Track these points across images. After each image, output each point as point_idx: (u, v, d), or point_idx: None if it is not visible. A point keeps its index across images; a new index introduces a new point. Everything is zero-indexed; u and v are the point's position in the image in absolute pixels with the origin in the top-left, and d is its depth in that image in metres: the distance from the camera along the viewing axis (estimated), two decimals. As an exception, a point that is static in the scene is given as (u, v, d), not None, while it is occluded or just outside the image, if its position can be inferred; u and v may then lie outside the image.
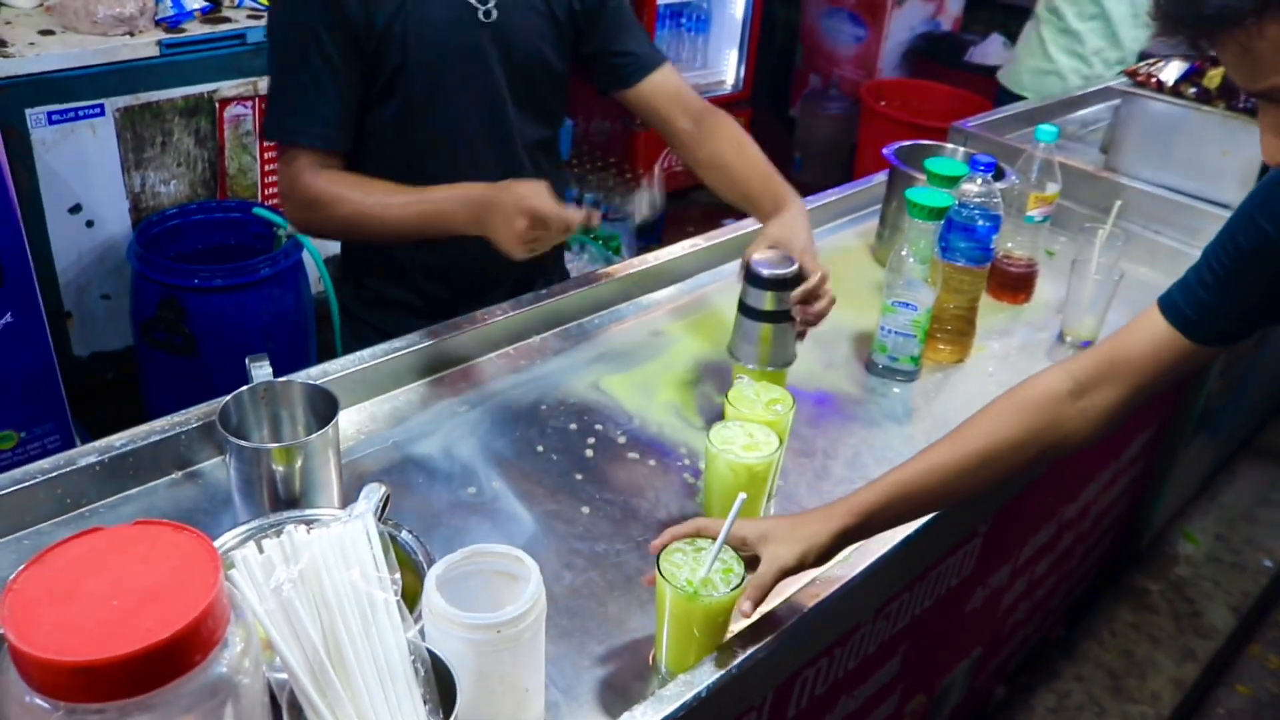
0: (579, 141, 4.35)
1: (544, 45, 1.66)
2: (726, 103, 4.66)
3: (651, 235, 4.02)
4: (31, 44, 2.60)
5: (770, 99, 5.27)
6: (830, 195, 2.16)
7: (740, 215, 1.78)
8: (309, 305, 2.88)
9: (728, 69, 4.74)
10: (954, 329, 1.74)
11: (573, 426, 1.49)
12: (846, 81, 5.00)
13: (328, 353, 2.97)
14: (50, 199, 2.70)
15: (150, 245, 2.72)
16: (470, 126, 1.62)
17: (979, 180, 1.69)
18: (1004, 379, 1.74)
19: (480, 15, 1.58)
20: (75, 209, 2.75)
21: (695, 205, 4.75)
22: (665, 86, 1.73)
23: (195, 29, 2.81)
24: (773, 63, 5.34)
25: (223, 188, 2.96)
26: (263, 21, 2.88)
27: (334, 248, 3.21)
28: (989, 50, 5.37)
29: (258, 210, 2.82)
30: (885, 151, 1.99)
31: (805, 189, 4.39)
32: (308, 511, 1.12)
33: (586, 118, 4.43)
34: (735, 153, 1.70)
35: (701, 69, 4.71)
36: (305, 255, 2.82)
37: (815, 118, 5.10)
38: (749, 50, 4.69)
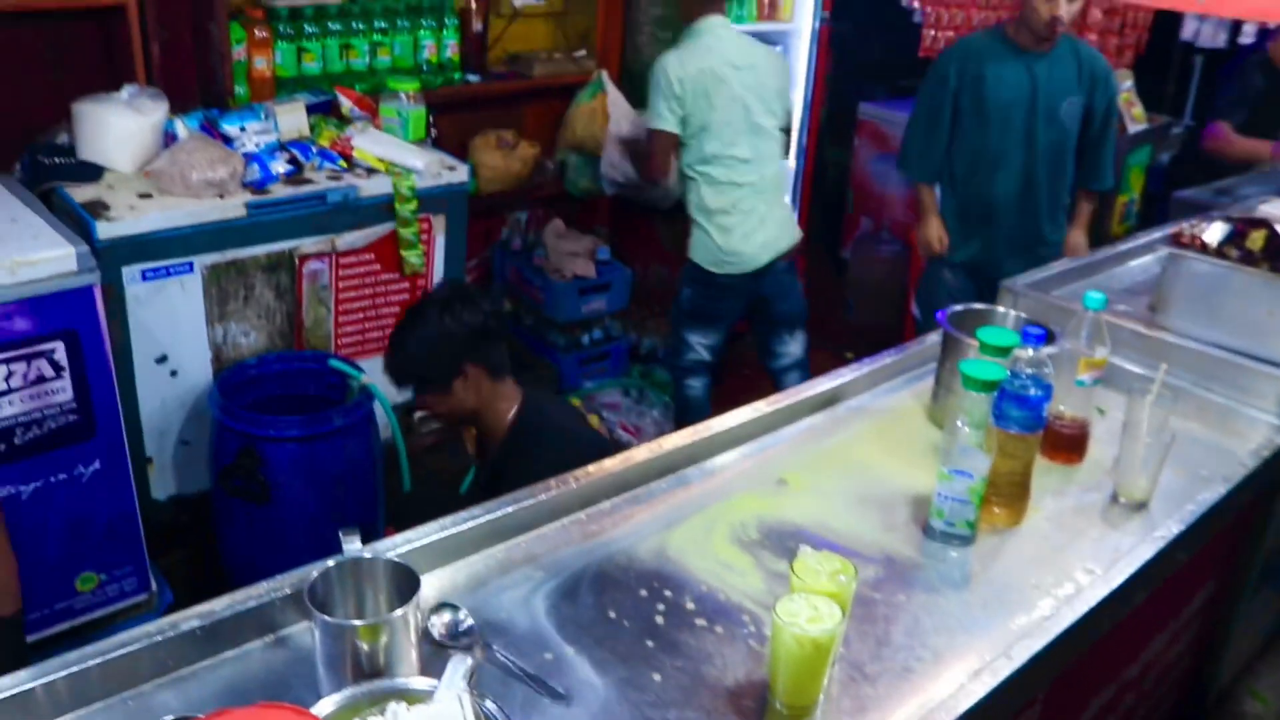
0: (637, 288, 4.48)
1: None
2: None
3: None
4: (131, 207, 2.78)
5: (822, 242, 5.40)
6: (886, 357, 2.24)
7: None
8: (378, 452, 2.98)
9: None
10: (1009, 493, 1.79)
11: (643, 593, 1.55)
12: (898, 224, 5.11)
13: (393, 495, 3.07)
14: (139, 350, 2.85)
15: (230, 394, 2.85)
16: None
17: (1030, 351, 1.77)
18: (1060, 542, 1.78)
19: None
20: (161, 359, 2.90)
21: (749, 347, 4.84)
22: None
23: (279, 190, 2.98)
24: (824, 206, 5.49)
25: (299, 339, 3.11)
26: (341, 183, 3.05)
27: (402, 396, 3.34)
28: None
29: (333, 362, 2.95)
30: (938, 316, 2.07)
31: (858, 331, 4.47)
32: (398, 681, 1.19)
33: (644, 265, 4.57)
34: None
35: (756, 217, 4.85)
36: (375, 405, 2.94)
37: (867, 261, 5.22)
38: (802, 200, 4.84)
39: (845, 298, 5.31)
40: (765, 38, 4.55)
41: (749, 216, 3.59)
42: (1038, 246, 3.54)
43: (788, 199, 3.83)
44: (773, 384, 3.84)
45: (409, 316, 2.37)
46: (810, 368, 4.01)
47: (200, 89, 3.39)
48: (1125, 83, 5.36)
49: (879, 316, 5.13)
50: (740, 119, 3.52)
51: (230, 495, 2.83)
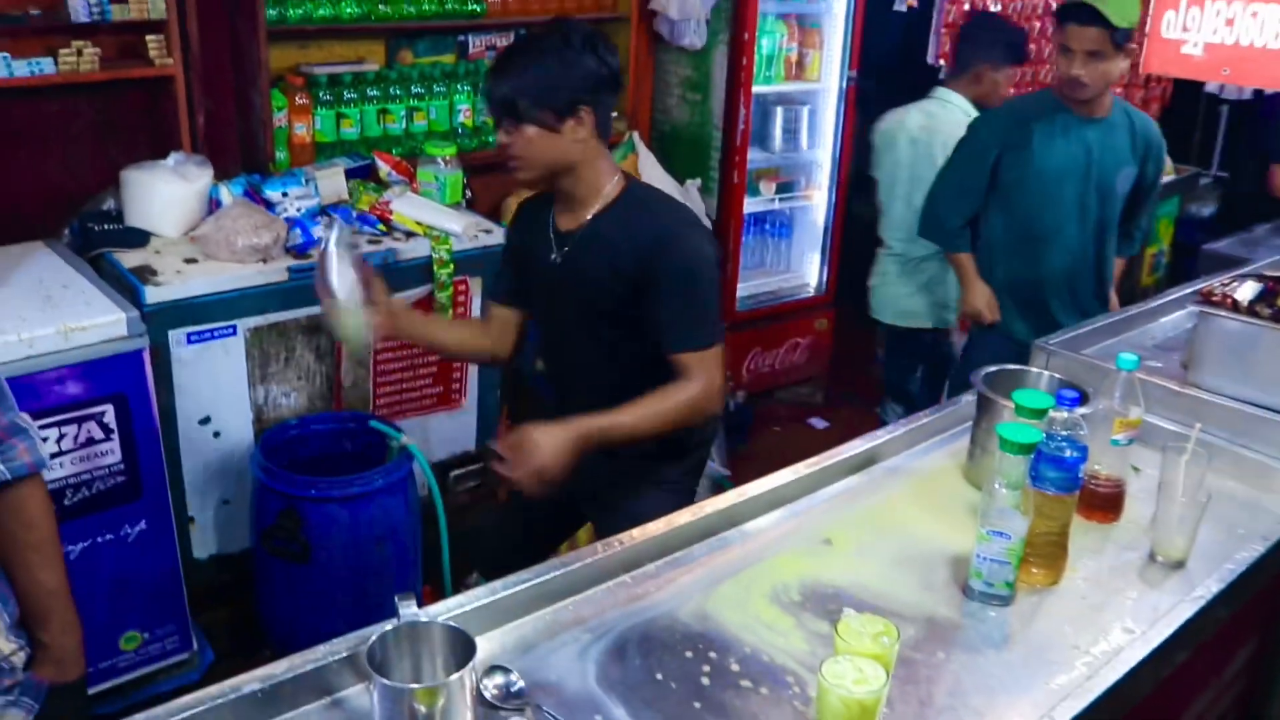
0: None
1: (601, 291, 2.18)
2: (810, 306, 4.84)
3: (739, 435, 4.13)
4: (178, 272, 2.86)
5: (851, 297, 5.44)
6: (923, 418, 2.27)
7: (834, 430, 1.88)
8: (417, 511, 3.02)
9: (810, 273, 4.93)
10: (1047, 553, 1.81)
11: (688, 654, 1.58)
12: (925, 279, 5.14)
13: (432, 552, 3.10)
14: (183, 411, 2.91)
15: (271, 455, 2.90)
16: (563, 338, 2.33)
17: (1065, 413, 1.79)
18: (1098, 601, 1.79)
19: (553, 257, 2.22)
20: (205, 420, 2.96)
21: (780, 403, 4.88)
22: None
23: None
24: (853, 259, 5.52)
25: (338, 400, 3.16)
26: (381, 246, 3.12)
27: (438, 454, 3.38)
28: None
29: (373, 423, 3.00)
30: (973, 378, 2.10)
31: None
32: (454, 745, 1.22)
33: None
34: (658, 392, 2.16)
35: (785, 272, 4.90)
36: (414, 464, 2.98)
37: (895, 315, 5.24)
38: (831, 255, 4.88)
39: (876, 353, 5.33)
40: (793, 98, 4.65)
41: (880, 274, 3.90)
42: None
43: (920, 281, 3.84)
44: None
45: (533, 41, 2.13)
46: (843, 422, 4.03)
47: (243, 155, 3.49)
48: (1151, 135, 5.41)
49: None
50: (899, 184, 3.72)
51: (271, 555, 2.87)
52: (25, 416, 1.64)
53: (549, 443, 2.01)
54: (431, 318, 2.60)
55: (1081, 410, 1.86)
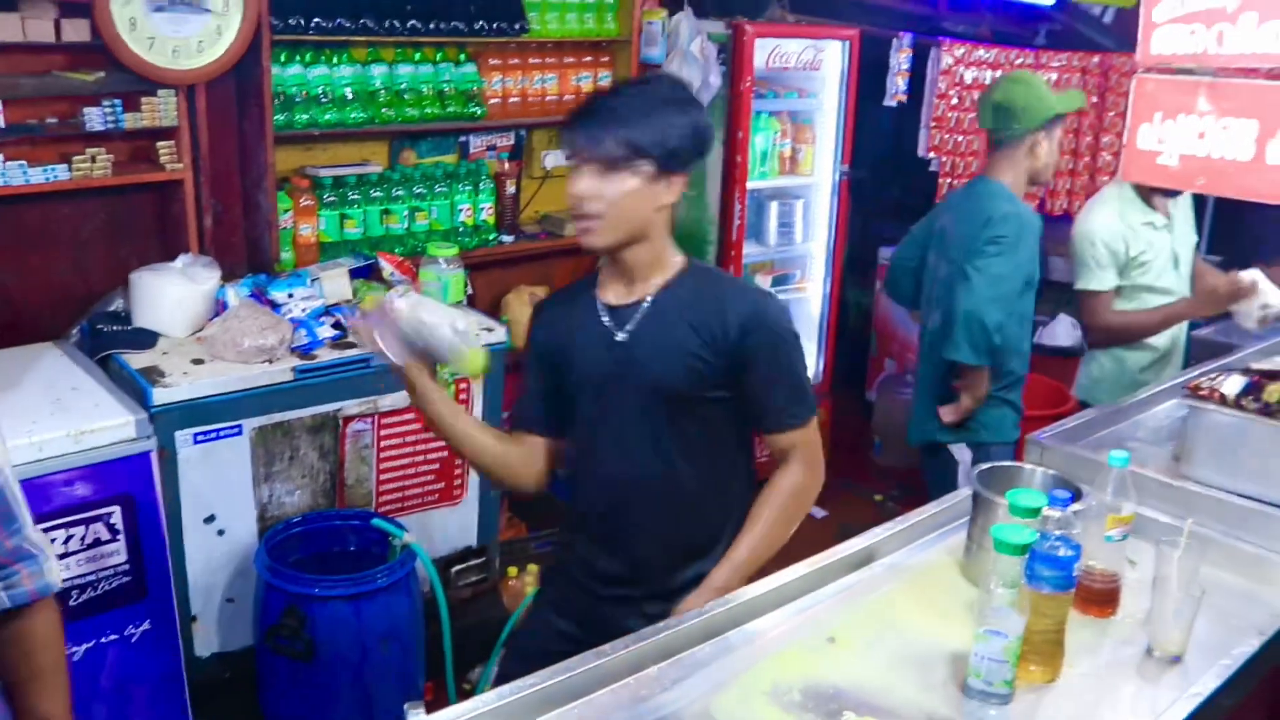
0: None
1: (682, 367, 2.01)
2: (806, 394, 4.88)
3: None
4: (185, 373, 2.90)
5: (846, 383, 5.50)
6: (916, 515, 2.29)
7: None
8: (420, 608, 3.03)
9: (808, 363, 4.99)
10: (1044, 650, 1.83)
11: (692, 760, 1.59)
12: (920, 367, 5.20)
13: (434, 648, 3.11)
14: (188, 510, 2.93)
15: (275, 553, 2.92)
16: (619, 434, 2.08)
17: (1059, 512, 1.83)
18: (1096, 698, 1.81)
19: (618, 337, 2.04)
20: (209, 519, 2.98)
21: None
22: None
23: (325, 355, 3.10)
24: (848, 348, 5.60)
25: (341, 497, 3.19)
26: (385, 345, 3.17)
27: (440, 549, 3.40)
28: (1058, 331, 5.59)
29: (376, 521, 3.02)
30: (970, 476, 2.14)
31: (886, 472, 4.48)
32: None
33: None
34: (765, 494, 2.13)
35: (781, 363, 4.96)
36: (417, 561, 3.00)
37: (892, 402, 5.28)
38: (827, 345, 4.95)
39: (872, 439, 5.38)
40: (787, 192, 4.75)
41: None
42: None
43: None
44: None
45: (646, 86, 2.03)
46: (841, 510, 4.04)
47: (249, 255, 3.56)
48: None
49: (906, 458, 5.17)
50: None
51: (274, 653, 2.87)
52: (36, 537, 1.58)
53: None
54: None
55: (1075, 508, 1.89)
